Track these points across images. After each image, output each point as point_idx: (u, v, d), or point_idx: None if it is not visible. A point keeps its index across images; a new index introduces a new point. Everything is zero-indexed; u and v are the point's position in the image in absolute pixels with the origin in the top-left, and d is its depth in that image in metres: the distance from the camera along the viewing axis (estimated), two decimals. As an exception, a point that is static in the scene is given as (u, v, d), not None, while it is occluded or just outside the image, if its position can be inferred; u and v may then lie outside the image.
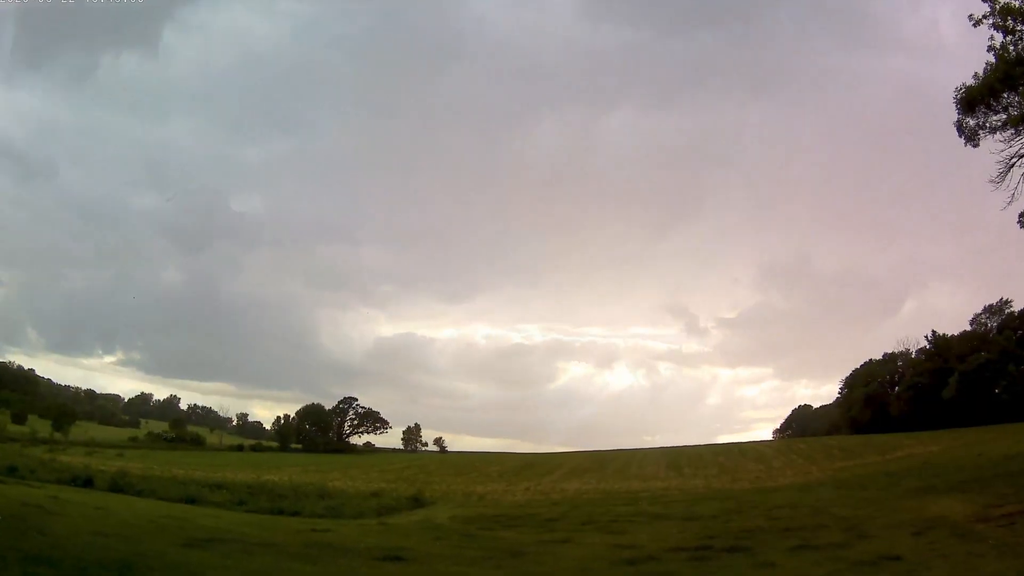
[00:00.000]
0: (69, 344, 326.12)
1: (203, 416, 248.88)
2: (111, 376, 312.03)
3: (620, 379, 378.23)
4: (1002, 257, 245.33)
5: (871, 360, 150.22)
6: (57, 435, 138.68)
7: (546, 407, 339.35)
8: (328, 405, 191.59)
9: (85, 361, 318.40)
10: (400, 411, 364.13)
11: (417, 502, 49.62)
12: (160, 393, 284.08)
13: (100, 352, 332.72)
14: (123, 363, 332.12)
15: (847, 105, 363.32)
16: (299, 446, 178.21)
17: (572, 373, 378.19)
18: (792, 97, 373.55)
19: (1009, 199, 35.15)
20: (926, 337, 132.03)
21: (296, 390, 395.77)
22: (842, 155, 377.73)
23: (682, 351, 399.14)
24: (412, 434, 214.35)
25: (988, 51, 34.34)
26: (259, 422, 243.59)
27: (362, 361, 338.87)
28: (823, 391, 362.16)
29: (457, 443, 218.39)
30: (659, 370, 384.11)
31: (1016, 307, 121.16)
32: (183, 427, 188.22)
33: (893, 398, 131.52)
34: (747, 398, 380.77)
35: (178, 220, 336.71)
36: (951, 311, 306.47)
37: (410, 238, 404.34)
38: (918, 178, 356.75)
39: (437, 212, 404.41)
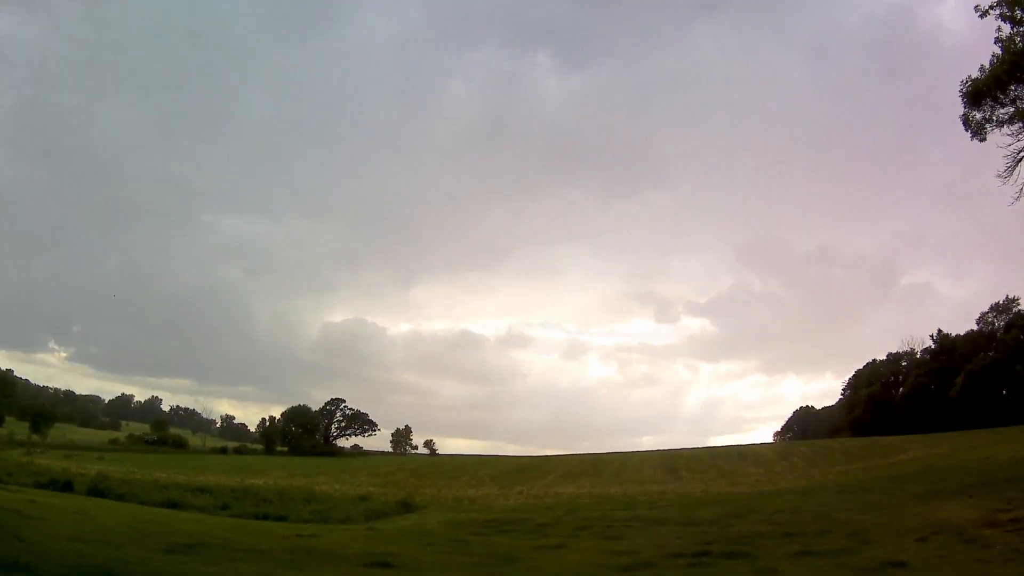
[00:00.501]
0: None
1: (185, 418, 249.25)
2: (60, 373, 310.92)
3: (590, 374, 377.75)
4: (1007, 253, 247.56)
5: (874, 360, 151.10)
6: (35, 437, 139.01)
7: (515, 407, 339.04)
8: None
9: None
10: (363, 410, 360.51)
11: (407, 507, 49.59)
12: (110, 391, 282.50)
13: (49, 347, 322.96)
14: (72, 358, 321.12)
15: (825, 62, 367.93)
16: (285, 449, 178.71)
17: (538, 368, 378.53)
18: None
19: (1017, 194, 35.21)
20: (931, 336, 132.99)
21: (258, 386, 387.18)
22: (824, 113, 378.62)
23: (654, 344, 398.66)
24: (401, 436, 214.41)
25: (995, 43, 34.44)
26: (243, 424, 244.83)
27: (310, 354, 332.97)
28: (814, 388, 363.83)
29: (441, 446, 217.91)
30: (633, 365, 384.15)
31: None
32: (165, 429, 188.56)
33: (897, 399, 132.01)
34: (732, 395, 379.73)
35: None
36: (949, 294, 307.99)
37: (352, 214, 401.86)
38: (906, 148, 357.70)
39: (372, 184, 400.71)
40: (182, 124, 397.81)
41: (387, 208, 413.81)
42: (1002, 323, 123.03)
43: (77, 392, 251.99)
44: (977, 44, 40.46)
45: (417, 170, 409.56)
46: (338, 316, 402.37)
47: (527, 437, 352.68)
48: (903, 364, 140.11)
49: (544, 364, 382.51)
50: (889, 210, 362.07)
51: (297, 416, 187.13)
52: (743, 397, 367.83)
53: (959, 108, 36.66)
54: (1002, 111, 35.21)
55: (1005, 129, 35.26)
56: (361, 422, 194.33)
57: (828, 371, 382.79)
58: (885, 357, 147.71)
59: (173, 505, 38.60)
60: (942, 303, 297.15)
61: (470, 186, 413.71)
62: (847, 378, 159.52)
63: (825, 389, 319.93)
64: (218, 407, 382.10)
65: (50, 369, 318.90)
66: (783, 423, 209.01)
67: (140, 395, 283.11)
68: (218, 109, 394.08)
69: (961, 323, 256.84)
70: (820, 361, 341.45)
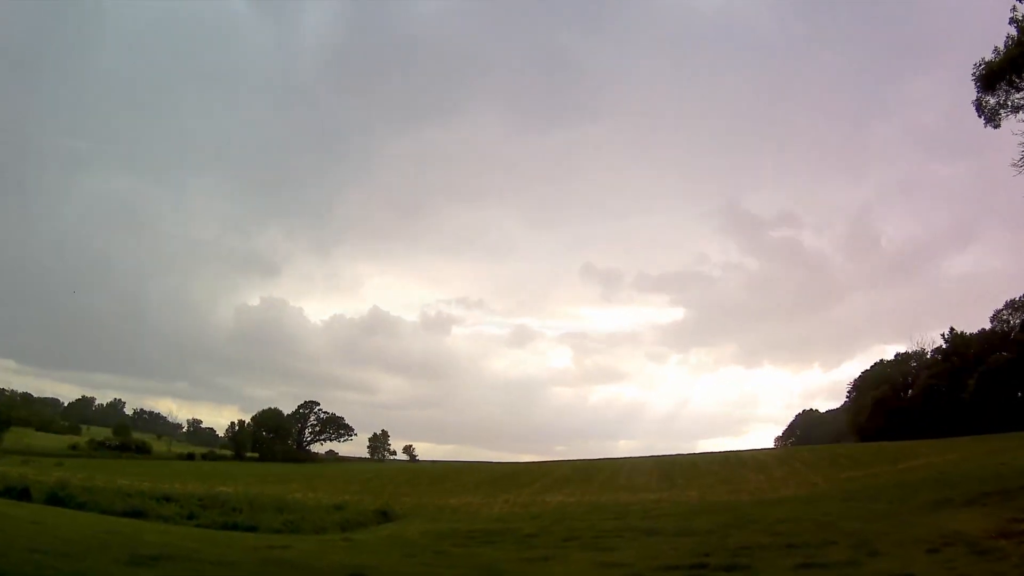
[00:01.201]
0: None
1: (150, 422, 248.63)
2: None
3: (544, 366, 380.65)
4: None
5: (882, 361, 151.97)
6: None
7: (470, 405, 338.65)
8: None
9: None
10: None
11: (385, 516, 49.72)
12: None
13: None
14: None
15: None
16: (255, 455, 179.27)
17: (479, 357, 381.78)
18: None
19: (1034, 183, 35.28)
20: (942, 335, 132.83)
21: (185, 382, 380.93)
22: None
23: (610, 329, 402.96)
24: (379, 442, 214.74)
25: (1010, 23, 34.50)
26: (211, 428, 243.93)
27: (223, 343, 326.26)
28: (802, 382, 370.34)
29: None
30: (590, 355, 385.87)
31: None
32: (128, 434, 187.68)
33: (906, 402, 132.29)
34: (709, 391, 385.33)
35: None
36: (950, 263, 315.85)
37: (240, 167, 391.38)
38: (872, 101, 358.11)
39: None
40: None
41: (274, 159, 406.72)
42: (1018, 321, 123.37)
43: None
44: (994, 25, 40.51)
45: (289, 111, 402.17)
46: (248, 295, 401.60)
47: (497, 442, 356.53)
48: (912, 365, 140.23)
49: (482, 352, 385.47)
50: (868, 164, 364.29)
51: (268, 420, 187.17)
52: (722, 393, 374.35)
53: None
54: (1018, 96, 35.30)
55: (1021, 115, 35.34)
56: (336, 426, 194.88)
57: (815, 361, 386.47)
58: (893, 357, 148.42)
59: (137, 514, 38.58)
60: (942, 275, 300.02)
61: (367, 121, 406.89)
62: (852, 381, 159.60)
63: (815, 386, 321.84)
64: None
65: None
66: (782, 427, 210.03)
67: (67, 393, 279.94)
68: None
69: (975, 320, 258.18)
70: (805, 350, 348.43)
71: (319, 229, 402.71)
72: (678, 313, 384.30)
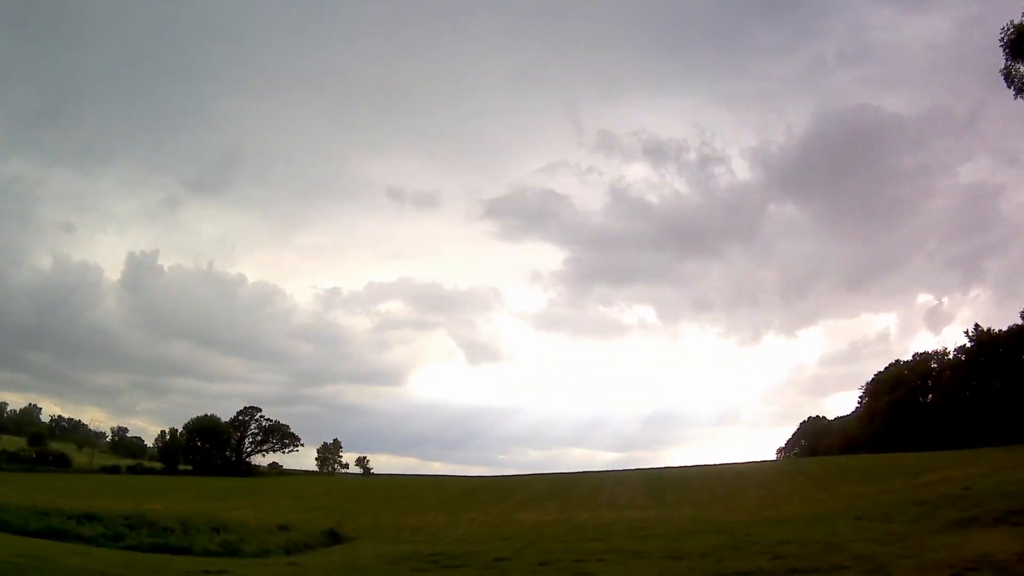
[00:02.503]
0: None
1: (69, 430, 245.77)
2: None
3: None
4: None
5: (898, 361, 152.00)
6: None
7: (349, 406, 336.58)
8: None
9: None
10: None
11: (336, 537, 49.65)
12: None
13: None
14: None
15: None
16: (188, 467, 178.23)
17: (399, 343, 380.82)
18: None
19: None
20: (966, 333, 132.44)
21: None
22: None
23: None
24: (329, 453, 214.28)
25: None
26: (139, 438, 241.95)
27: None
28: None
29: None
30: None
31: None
32: (44, 444, 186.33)
33: (926, 408, 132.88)
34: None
35: None
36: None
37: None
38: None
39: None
40: None
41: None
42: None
43: None
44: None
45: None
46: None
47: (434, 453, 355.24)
48: (932, 366, 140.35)
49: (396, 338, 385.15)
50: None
51: (203, 428, 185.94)
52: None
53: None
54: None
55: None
56: (281, 435, 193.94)
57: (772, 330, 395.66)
58: (911, 358, 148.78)
59: (55, 535, 38.39)
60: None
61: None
62: (864, 383, 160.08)
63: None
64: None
65: None
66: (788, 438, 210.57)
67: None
68: None
69: (1004, 315, 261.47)
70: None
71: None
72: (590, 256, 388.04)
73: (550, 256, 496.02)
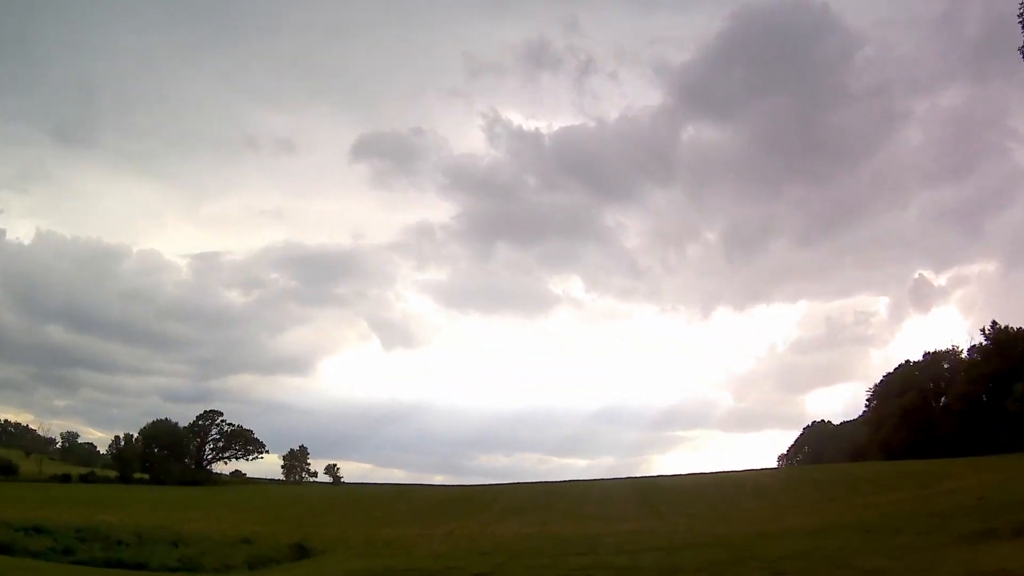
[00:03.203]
0: None
1: (15, 436, 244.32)
2: None
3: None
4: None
5: (908, 362, 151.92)
6: None
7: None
8: None
9: None
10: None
11: (302, 551, 49.62)
12: None
13: None
14: None
15: None
16: (145, 476, 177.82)
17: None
18: None
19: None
20: (982, 331, 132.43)
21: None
22: None
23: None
24: (296, 460, 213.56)
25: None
26: (92, 444, 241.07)
27: None
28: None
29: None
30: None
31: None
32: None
33: (938, 412, 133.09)
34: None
35: None
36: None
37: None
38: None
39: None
40: None
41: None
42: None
43: None
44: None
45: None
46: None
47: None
48: (946, 367, 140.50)
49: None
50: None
51: (160, 434, 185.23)
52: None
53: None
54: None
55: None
56: (244, 441, 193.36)
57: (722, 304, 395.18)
58: (922, 358, 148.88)
59: (1, 549, 38.22)
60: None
61: None
62: (873, 386, 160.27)
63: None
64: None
65: None
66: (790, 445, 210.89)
67: None
68: None
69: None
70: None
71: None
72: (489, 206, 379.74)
73: (436, 209, 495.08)
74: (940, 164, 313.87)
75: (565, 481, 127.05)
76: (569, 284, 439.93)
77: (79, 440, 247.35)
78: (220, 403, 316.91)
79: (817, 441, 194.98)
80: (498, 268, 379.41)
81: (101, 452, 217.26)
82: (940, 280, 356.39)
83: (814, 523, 53.87)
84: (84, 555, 39.78)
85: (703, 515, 69.05)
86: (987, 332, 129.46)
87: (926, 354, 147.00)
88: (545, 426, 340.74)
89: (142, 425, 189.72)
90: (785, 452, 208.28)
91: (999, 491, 56.61)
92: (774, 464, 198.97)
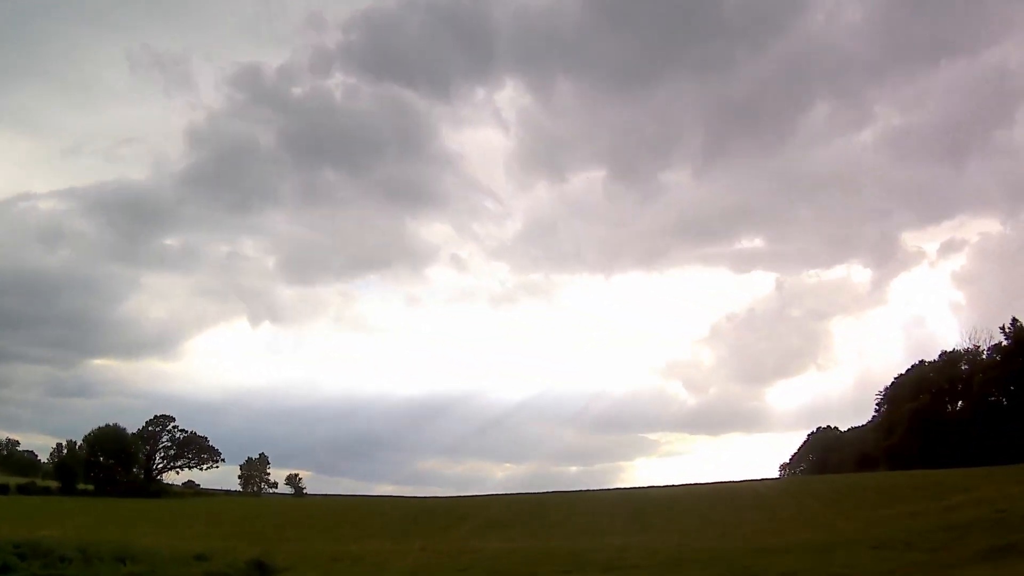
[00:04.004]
0: None
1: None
2: None
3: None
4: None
5: (922, 362, 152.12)
6: None
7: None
8: None
9: None
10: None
11: (263, 569, 49.44)
12: None
13: None
14: None
15: None
16: (90, 487, 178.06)
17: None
18: None
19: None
20: (1001, 329, 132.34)
21: None
22: None
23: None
24: (254, 470, 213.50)
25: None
26: (31, 452, 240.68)
27: None
28: None
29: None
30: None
31: None
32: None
33: (954, 417, 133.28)
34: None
35: None
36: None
37: None
38: None
39: None
40: None
41: None
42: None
43: None
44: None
45: None
46: None
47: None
48: (963, 367, 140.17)
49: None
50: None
51: (106, 441, 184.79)
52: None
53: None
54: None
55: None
56: (198, 449, 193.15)
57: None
58: (937, 358, 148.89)
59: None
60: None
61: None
62: (883, 388, 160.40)
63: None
64: None
65: None
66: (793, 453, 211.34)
67: None
68: None
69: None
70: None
71: None
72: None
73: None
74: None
75: (550, 492, 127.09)
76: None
77: (19, 448, 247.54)
78: (97, 398, 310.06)
79: (822, 449, 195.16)
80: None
81: (42, 460, 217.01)
82: (919, 239, 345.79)
83: (819, 538, 54.05)
84: (24, 573, 39.68)
85: (698, 529, 69.14)
86: (1007, 331, 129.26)
87: (942, 354, 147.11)
88: (456, 421, 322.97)
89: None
90: (787, 461, 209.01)
91: (1020, 503, 56.82)
92: (775, 473, 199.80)
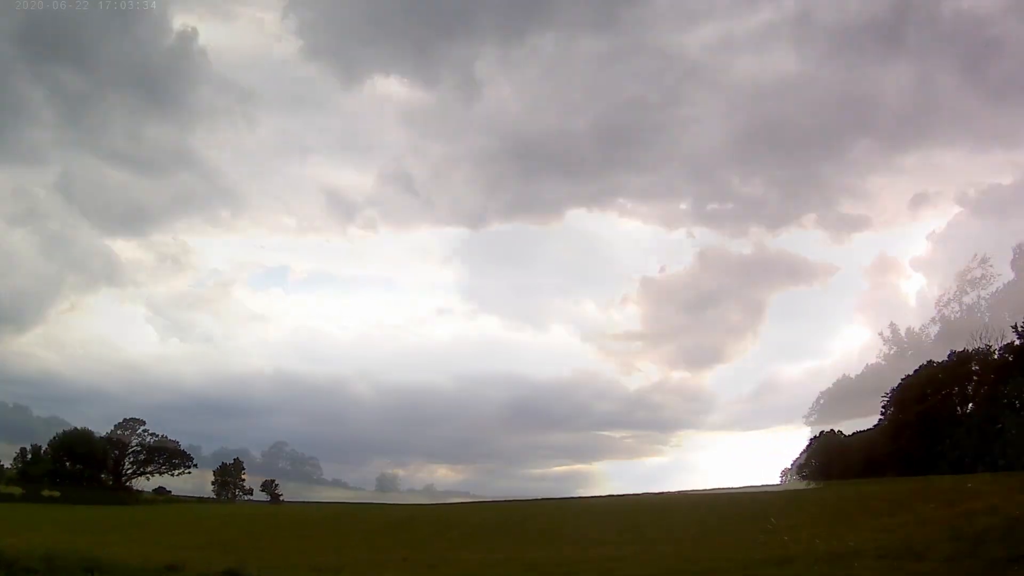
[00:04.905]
0: None
1: None
2: None
3: None
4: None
5: (930, 362, 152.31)
6: None
7: None
8: None
9: None
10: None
11: (237, 580, 49.24)
12: None
13: None
14: None
15: None
16: (55, 494, 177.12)
17: None
18: None
19: None
20: (1014, 328, 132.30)
21: None
22: None
23: None
24: (229, 476, 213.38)
25: None
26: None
27: None
28: None
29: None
30: None
31: None
32: None
33: (964, 419, 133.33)
34: None
35: None
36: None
37: None
38: None
39: None
40: None
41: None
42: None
43: None
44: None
45: None
46: None
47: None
48: (973, 368, 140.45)
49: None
50: None
51: (73, 445, 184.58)
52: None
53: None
54: None
55: None
56: (168, 454, 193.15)
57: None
58: (947, 357, 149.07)
59: None
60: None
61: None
62: (890, 390, 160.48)
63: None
64: None
65: None
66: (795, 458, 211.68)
67: None
68: None
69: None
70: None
71: None
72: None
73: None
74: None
75: (538, 500, 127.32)
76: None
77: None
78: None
79: (826, 453, 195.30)
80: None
81: (5, 466, 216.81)
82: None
83: (823, 548, 53.98)
84: (-15, 586, 39.65)
85: (695, 539, 69.07)
86: (1019, 330, 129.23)
87: (951, 353, 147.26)
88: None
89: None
90: (789, 466, 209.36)
91: (1034, 511, 56.87)
92: (776, 480, 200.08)
